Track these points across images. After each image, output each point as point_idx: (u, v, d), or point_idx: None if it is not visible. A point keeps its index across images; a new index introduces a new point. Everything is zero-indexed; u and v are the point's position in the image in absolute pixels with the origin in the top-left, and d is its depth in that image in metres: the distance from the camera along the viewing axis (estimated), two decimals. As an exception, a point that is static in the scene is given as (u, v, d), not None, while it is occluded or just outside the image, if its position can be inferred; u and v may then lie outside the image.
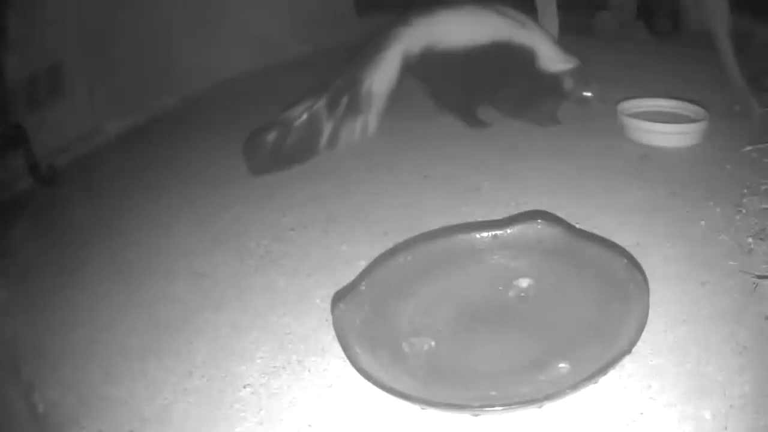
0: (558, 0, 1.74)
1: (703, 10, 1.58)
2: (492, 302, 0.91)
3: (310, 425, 0.77)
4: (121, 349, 0.93)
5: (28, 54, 1.45)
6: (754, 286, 0.91)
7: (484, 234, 0.98)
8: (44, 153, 1.46)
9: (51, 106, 1.54)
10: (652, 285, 0.86)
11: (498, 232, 0.98)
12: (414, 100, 1.50)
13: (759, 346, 0.81)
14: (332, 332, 0.82)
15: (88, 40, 1.60)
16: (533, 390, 0.73)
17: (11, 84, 1.41)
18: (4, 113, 1.38)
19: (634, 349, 0.73)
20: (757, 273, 0.94)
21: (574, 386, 0.69)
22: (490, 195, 1.23)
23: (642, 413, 0.73)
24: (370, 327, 0.83)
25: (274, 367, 0.86)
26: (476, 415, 0.72)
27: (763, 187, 1.16)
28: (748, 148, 1.30)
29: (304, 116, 1.38)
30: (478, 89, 1.52)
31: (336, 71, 1.44)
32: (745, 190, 1.15)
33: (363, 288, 0.87)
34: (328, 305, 0.95)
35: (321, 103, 1.39)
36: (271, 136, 1.37)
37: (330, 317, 0.85)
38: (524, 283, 0.92)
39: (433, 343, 0.84)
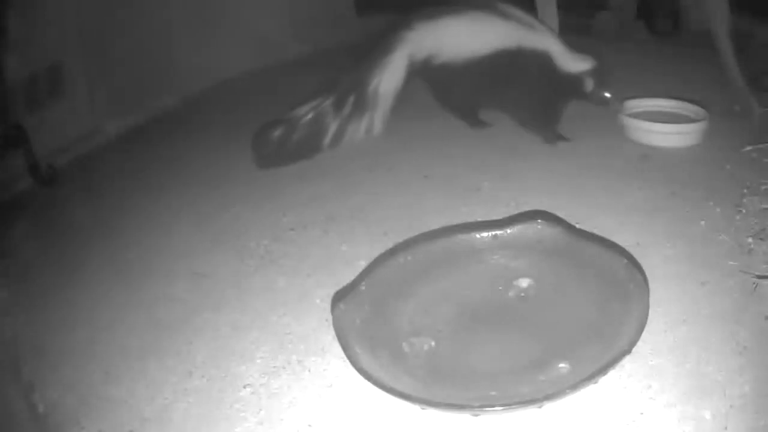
0: (558, 0, 1.74)
1: (703, 10, 1.58)
2: (492, 302, 0.91)
3: (310, 425, 0.77)
4: (121, 349, 0.93)
5: (28, 54, 1.46)
6: (754, 286, 0.91)
7: (484, 234, 0.98)
8: (44, 153, 1.46)
9: (51, 106, 1.54)
10: (652, 285, 0.86)
11: (498, 232, 0.98)
12: (414, 100, 1.50)
13: (759, 346, 0.81)
14: (332, 332, 0.82)
15: (88, 40, 1.60)
16: (533, 390, 0.73)
17: (11, 84, 1.41)
18: (4, 113, 1.38)
19: (634, 349, 0.73)
20: (757, 273, 0.93)
21: (574, 386, 0.69)
22: (490, 195, 1.23)
23: (642, 413, 0.73)
24: (370, 327, 0.83)
25: (274, 367, 0.86)
26: (476, 415, 0.72)
27: (763, 187, 1.16)
28: (748, 148, 1.30)
29: (311, 114, 1.41)
30: (483, 94, 1.50)
31: (344, 71, 1.45)
32: (745, 190, 1.15)
33: (363, 288, 0.87)
34: (328, 305, 0.95)
35: (328, 102, 1.41)
36: (278, 132, 1.40)
37: (330, 317, 0.85)
38: (524, 283, 0.92)
39: (433, 343, 0.84)
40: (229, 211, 1.27)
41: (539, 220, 0.97)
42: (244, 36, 1.98)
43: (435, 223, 1.10)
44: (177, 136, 1.69)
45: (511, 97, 1.45)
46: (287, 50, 2.11)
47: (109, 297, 1.06)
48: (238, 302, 1.00)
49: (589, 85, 1.37)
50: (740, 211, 1.09)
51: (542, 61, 1.38)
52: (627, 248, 0.99)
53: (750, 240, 1.02)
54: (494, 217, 1.11)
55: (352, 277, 0.96)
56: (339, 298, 0.87)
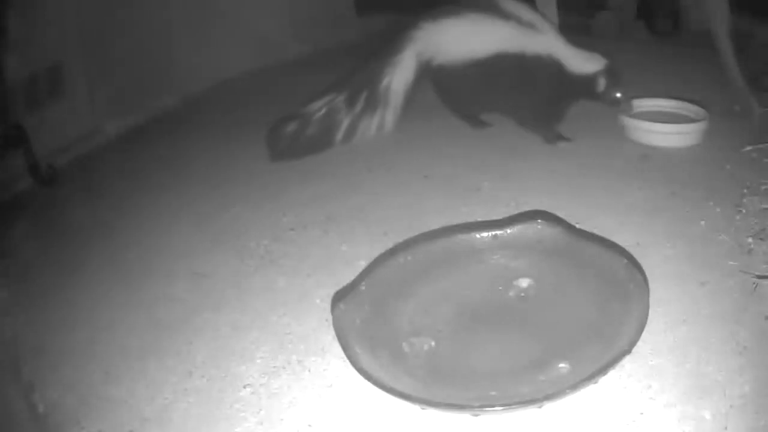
0: (558, 0, 1.74)
1: (703, 10, 1.58)
2: (492, 302, 0.91)
3: (310, 425, 0.77)
4: (121, 349, 0.93)
5: (28, 54, 1.46)
6: (754, 286, 0.91)
7: (484, 234, 0.98)
8: (44, 153, 1.46)
9: (51, 106, 1.54)
10: (652, 285, 0.86)
11: (498, 232, 0.98)
12: (414, 100, 1.50)
13: (759, 346, 0.81)
14: (332, 332, 0.82)
15: (88, 40, 1.60)
16: (533, 390, 0.73)
17: (11, 84, 1.41)
18: (4, 113, 1.38)
19: (634, 349, 0.73)
20: (757, 273, 0.93)
21: (574, 386, 0.69)
22: (490, 195, 1.23)
23: (642, 413, 0.73)
24: (370, 327, 0.83)
25: (274, 367, 0.86)
26: (476, 415, 0.72)
27: (763, 187, 1.16)
28: (748, 148, 1.30)
29: (324, 110, 1.44)
30: (484, 96, 1.50)
31: (356, 68, 1.48)
32: (745, 190, 1.15)
33: (363, 288, 0.87)
34: (328, 305, 0.95)
35: (340, 98, 1.44)
36: (292, 127, 1.44)
37: (330, 317, 0.85)
38: (524, 283, 0.92)
39: (433, 343, 0.84)
40: (229, 211, 1.27)
41: (539, 220, 0.97)
42: (244, 36, 1.98)
43: (435, 223, 1.10)
44: (177, 136, 1.68)
45: (512, 98, 1.45)
46: (287, 50, 2.12)
47: (109, 297, 1.06)
48: (238, 302, 1.00)
49: (602, 85, 1.35)
50: (740, 211, 1.09)
51: (547, 64, 1.36)
52: (627, 248, 0.99)
53: (750, 240, 1.02)
54: (494, 217, 1.11)
55: (352, 277, 0.96)
56: (339, 298, 0.87)
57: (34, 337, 0.98)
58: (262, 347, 0.90)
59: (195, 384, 0.85)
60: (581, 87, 1.37)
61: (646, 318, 0.77)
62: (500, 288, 0.93)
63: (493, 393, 0.75)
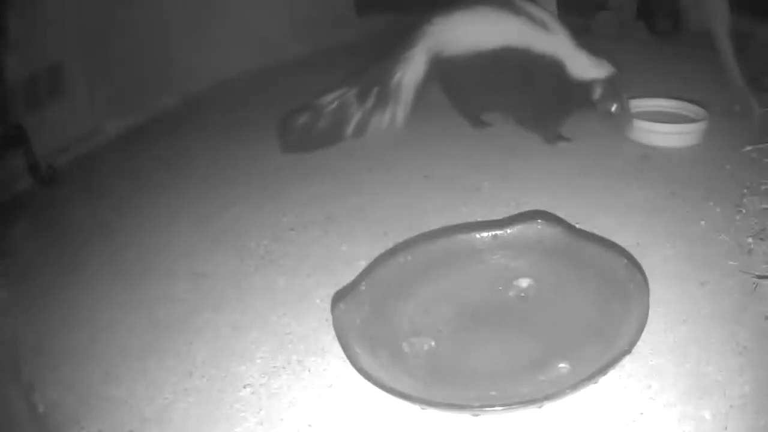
0: (558, 0, 1.74)
1: (703, 10, 1.58)
2: (492, 302, 0.91)
3: (310, 425, 0.77)
4: (121, 349, 0.93)
5: (28, 54, 1.45)
6: (754, 286, 0.91)
7: (484, 234, 0.98)
8: (44, 153, 1.46)
9: (51, 106, 1.54)
10: (652, 285, 0.86)
11: (498, 232, 0.98)
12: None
13: (759, 346, 0.81)
14: (332, 332, 0.82)
15: (88, 40, 1.60)
16: (533, 390, 0.73)
17: (11, 84, 1.41)
18: (4, 113, 1.38)
19: (634, 349, 0.73)
20: (757, 273, 0.94)
21: (574, 386, 0.69)
22: (490, 195, 1.23)
23: (642, 413, 0.73)
24: (370, 327, 0.83)
25: (274, 367, 0.86)
26: (476, 415, 0.72)
27: (763, 187, 1.16)
28: (748, 148, 1.30)
29: (335, 103, 1.44)
30: (487, 93, 1.50)
31: (370, 64, 1.48)
32: (745, 190, 1.15)
33: (363, 288, 0.87)
34: (328, 305, 0.95)
35: (352, 93, 1.44)
36: (303, 119, 1.44)
37: (330, 317, 0.85)
38: (524, 283, 0.92)
39: (433, 343, 0.84)
40: (229, 211, 1.27)
41: (539, 220, 0.97)
42: (244, 36, 1.98)
43: (435, 223, 1.10)
44: (177, 136, 1.68)
45: (513, 97, 1.45)
46: (287, 50, 2.11)
47: (109, 297, 1.05)
48: (238, 302, 1.00)
49: (597, 93, 1.30)
50: (740, 211, 1.09)
51: (548, 64, 1.34)
52: (627, 248, 0.99)
53: (750, 240, 1.02)
54: (494, 217, 1.11)
55: (352, 277, 0.97)
56: (339, 298, 0.87)
57: (34, 337, 0.98)
58: (262, 347, 0.90)
59: (195, 384, 0.85)
60: (577, 92, 1.33)
61: (646, 318, 0.77)
62: (500, 288, 0.93)
63: (493, 393, 0.75)
